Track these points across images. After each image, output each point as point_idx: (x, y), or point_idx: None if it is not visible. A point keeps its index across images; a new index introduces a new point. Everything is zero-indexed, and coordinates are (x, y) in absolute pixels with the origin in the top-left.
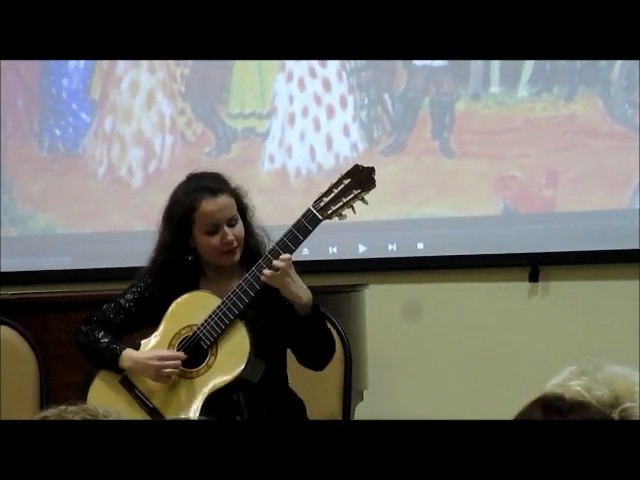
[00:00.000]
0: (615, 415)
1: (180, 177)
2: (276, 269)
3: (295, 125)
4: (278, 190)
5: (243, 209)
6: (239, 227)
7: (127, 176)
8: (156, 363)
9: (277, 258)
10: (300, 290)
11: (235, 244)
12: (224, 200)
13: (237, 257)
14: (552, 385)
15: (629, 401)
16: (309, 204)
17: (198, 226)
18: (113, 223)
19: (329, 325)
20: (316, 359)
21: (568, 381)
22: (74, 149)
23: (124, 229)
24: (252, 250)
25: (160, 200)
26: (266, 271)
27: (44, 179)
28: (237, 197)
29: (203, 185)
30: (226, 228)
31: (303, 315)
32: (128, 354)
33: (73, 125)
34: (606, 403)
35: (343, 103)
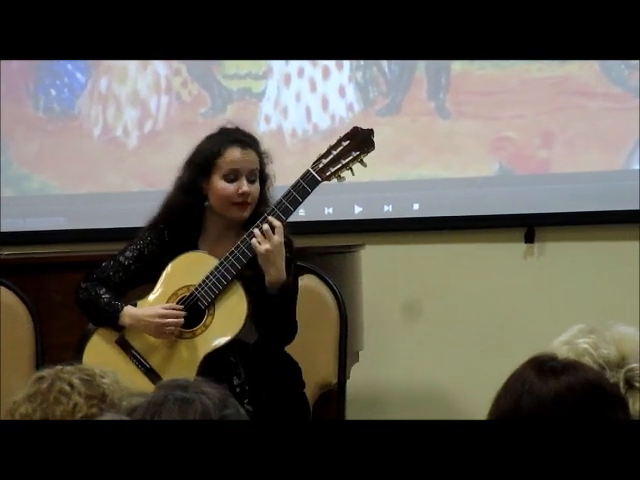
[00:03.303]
0: (621, 375)
1: (175, 137)
2: (262, 232)
3: (291, 86)
4: (274, 151)
5: (264, 176)
6: (256, 186)
7: (122, 136)
8: (157, 320)
9: (276, 219)
10: (272, 268)
11: (249, 199)
12: (250, 154)
13: (246, 214)
14: (559, 342)
15: (635, 361)
16: (305, 165)
17: (218, 171)
18: (108, 183)
19: (325, 286)
20: (272, 337)
21: (575, 339)
22: (69, 109)
23: (119, 189)
24: (260, 217)
25: (155, 160)
26: (256, 233)
27: (39, 140)
28: (262, 161)
29: (235, 137)
30: (244, 180)
31: (269, 293)
32: (129, 311)
33: (68, 85)
34: (612, 362)
35: (339, 64)
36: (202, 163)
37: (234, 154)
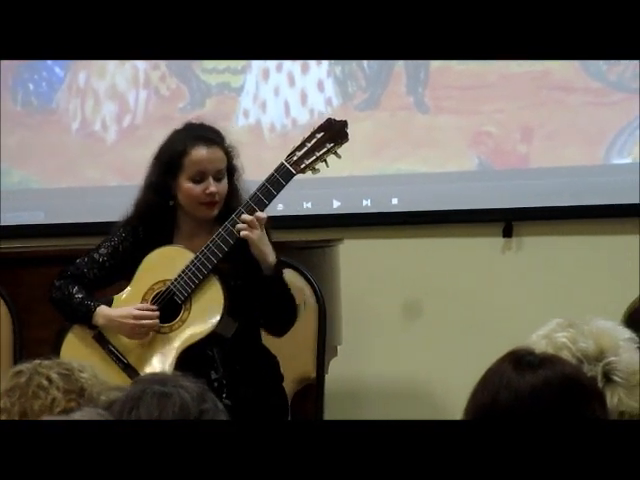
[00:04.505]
0: (599, 369)
1: (154, 132)
2: (247, 222)
3: (269, 80)
4: (252, 145)
5: (232, 169)
6: (224, 183)
7: (101, 131)
8: (131, 322)
9: (250, 212)
10: (267, 248)
11: (216, 198)
12: (216, 152)
13: (215, 212)
14: (537, 336)
15: (613, 355)
16: (283, 159)
17: (185, 172)
18: (87, 178)
19: (304, 280)
20: (276, 323)
21: (554, 332)
22: (48, 104)
23: (98, 184)
24: (232, 210)
25: (134, 155)
26: (240, 225)
27: (18, 134)
28: (229, 155)
29: (199, 134)
30: (211, 180)
31: (267, 275)
32: (102, 311)
33: (47, 79)
34: (591, 356)
35: None
36: (168, 162)
37: (199, 154)
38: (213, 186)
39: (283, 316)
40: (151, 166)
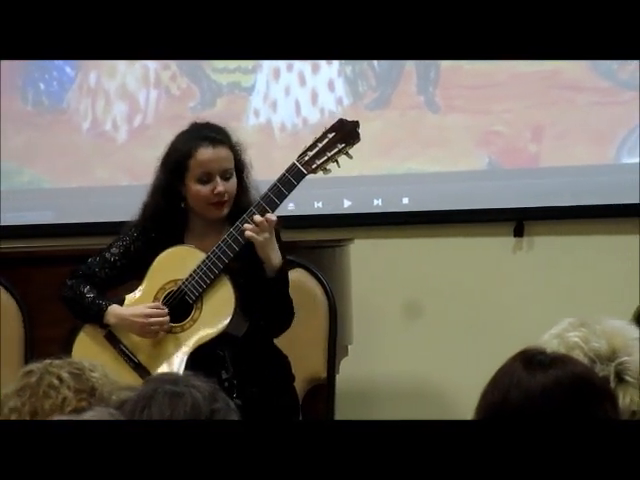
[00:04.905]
0: (611, 368)
1: (164, 131)
2: (256, 224)
3: (280, 80)
4: (263, 145)
5: (240, 166)
6: (232, 182)
7: (111, 131)
8: (141, 320)
9: (261, 212)
10: (273, 252)
11: (225, 197)
12: (222, 152)
13: (225, 211)
14: (550, 335)
15: (626, 355)
16: (294, 159)
17: (192, 174)
18: (97, 178)
19: (314, 280)
20: (271, 325)
21: (566, 332)
22: (58, 103)
23: (108, 184)
24: (243, 208)
25: (144, 155)
26: (247, 225)
27: (28, 133)
28: (236, 153)
29: (204, 134)
30: (219, 180)
31: (268, 277)
32: (113, 310)
33: (57, 79)
34: (603, 356)
35: None
36: (175, 166)
37: (205, 155)
38: (221, 186)
39: (278, 318)
40: (158, 170)
